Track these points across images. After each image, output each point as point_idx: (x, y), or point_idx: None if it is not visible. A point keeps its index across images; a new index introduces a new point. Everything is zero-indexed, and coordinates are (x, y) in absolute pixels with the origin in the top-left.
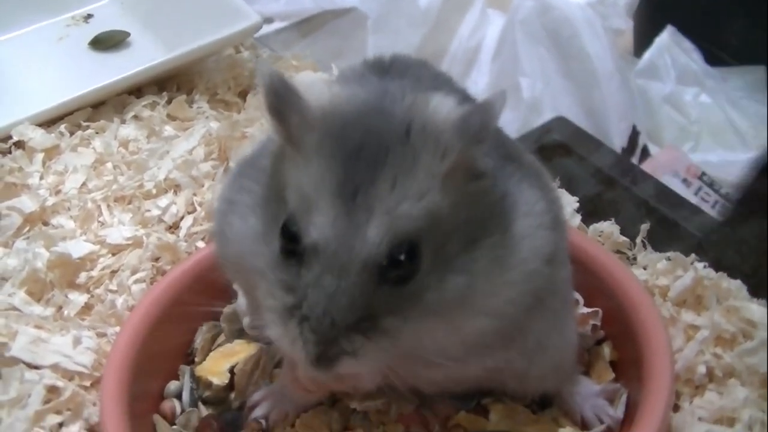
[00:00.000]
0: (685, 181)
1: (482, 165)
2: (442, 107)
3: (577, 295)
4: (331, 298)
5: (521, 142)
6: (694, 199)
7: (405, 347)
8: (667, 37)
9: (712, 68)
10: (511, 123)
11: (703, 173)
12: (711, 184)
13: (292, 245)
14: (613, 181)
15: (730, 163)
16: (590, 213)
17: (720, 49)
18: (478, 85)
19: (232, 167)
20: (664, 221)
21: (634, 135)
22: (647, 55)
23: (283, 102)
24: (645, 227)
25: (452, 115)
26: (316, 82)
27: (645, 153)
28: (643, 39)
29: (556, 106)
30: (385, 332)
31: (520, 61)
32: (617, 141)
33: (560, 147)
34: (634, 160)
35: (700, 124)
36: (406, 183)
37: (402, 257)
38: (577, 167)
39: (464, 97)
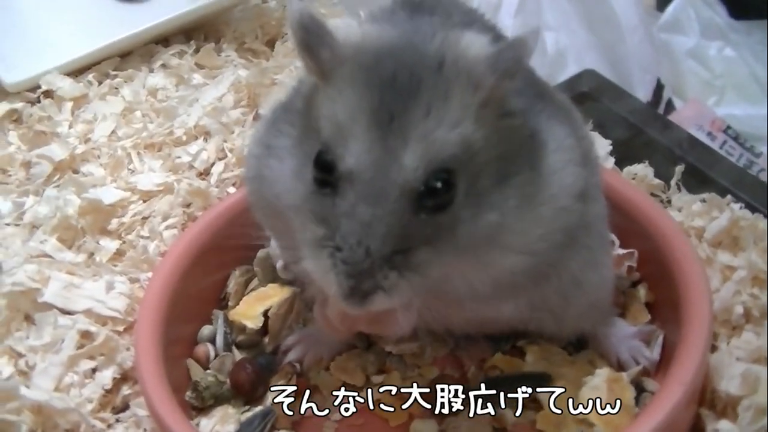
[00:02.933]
0: (710, 134)
1: (513, 103)
2: (475, 44)
3: (613, 237)
4: (366, 227)
5: None
6: None
7: (436, 284)
8: None
9: (736, 22)
10: None
11: (728, 127)
12: (736, 138)
13: (325, 175)
14: (642, 130)
15: (754, 117)
16: (622, 159)
17: (743, 1)
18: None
19: (267, 113)
20: (694, 170)
21: (659, 89)
22: (670, 9)
23: (313, 37)
24: (680, 169)
25: (485, 51)
26: (345, 21)
27: (669, 106)
28: None
29: (580, 59)
30: (418, 267)
31: (543, 14)
32: (642, 94)
33: (589, 98)
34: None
35: (724, 78)
36: (440, 111)
37: (438, 184)
38: (607, 117)
39: (495, 36)
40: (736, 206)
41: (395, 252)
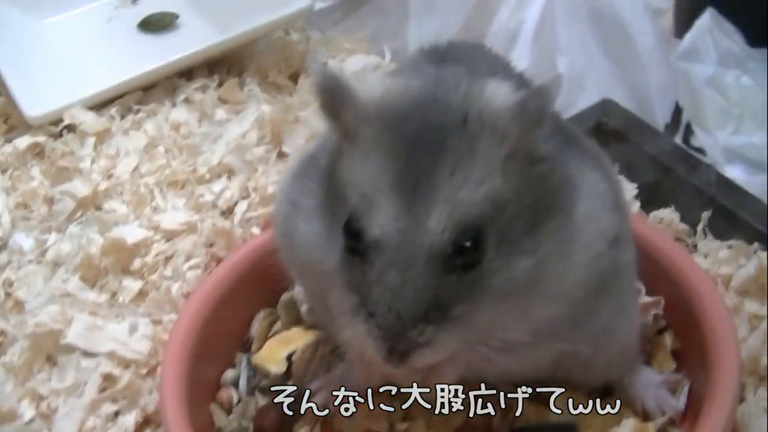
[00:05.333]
0: None
1: (542, 149)
2: (498, 94)
3: (639, 284)
4: (396, 293)
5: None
6: None
7: (477, 333)
8: (708, 20)
9: (754, 50)
10: None
11: None
12: None
13: (355, 243)
14: (669, 168)
15: None
16: (648, 201)
17: (761, 30)
18: (519, 66)
19: (293, 165)
20: (724, 211)
21: (677, 111)
22: (688, 37)
23: (336, 100)
24: (706, 215)
25: (508, 101)
26: (369, 76)
27: (688, 130)
28: (684, 21)
29: (596, 84)
30: (457, 319)
31: (559, 40)
32: (660, 117)
33: (613, 133)
34: (678, 136)
35: (741, 106)
36: (465, 169)
37: (467, 244)
38: (630, 155)
39: (520, 82)
40: (764, 254)
41: (430, 310)
